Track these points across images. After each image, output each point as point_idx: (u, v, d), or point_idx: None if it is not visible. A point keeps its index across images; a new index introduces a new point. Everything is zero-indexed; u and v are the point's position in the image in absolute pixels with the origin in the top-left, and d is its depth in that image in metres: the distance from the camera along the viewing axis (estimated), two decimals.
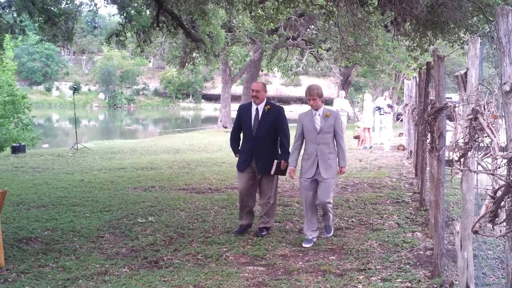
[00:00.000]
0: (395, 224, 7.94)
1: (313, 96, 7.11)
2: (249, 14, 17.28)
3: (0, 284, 5.68)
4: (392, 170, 13.40)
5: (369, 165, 14.33)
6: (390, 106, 19.13)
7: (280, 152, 7.56)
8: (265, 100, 7.60)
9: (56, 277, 5.84)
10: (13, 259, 6.50)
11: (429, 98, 8.26)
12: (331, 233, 7.43)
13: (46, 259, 6.50)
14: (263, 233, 7.48)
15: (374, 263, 6.14)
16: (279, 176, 7.80)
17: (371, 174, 12.71)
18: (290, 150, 7.49)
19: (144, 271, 6.04)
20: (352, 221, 8.20)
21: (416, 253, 6.50)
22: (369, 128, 18.90)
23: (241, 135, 7.80)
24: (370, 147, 18.39)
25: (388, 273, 5.76)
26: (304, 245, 7.02)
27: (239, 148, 7.77)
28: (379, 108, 18.74)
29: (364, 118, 18.99)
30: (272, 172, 7.38)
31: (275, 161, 7.38)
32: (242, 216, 7.74)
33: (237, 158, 7.79)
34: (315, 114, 7.18)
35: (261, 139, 7.45)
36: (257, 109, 7.55)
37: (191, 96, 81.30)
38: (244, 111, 7.71)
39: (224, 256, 6.56)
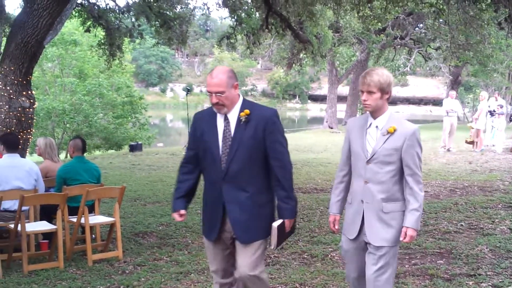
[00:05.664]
0: (507, 229, 7.66)
1: (368, 85, 3.83)
2: (356, 14, 17.21)
3: (118, 275, 6.05)
4: (504, 173, 12.86)
5: (479, 168, 13.84)
6: (500, 106, 18.33)
7: (277, 200, 4.10)
8: (240, 100, 4.02)
9: (169, 270, 6.15)
10: (130, 252, 6.92)
11: None
12: None
13: (161, 253, 6.85)
14: None
15: (484, 268, 5.97)
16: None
17: (482, 177, 12.28)
18: (294, 193, 4.07)
19: None
20: (461, 224, 7.99)
21: None
22: (479, 130, 18.20)
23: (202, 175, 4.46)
24: (481, 150, 17.73)
25: (500, 280, 5.60)
26: None
27: (203, 199, 4.47)
28: (491, 113, 17.99)
29: (479, 119, 18.29)
30: (273, 245, 4.02)
31: (275, 226, 3.99)
32: None
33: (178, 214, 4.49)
34: (369, 124, 3.97)
35: (238, 175, 4.00)
36: (226, 119, 4.02)
37: (297, 97, 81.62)
38: (203, 123, 4.15)
39: (329, 256, 6.63)
